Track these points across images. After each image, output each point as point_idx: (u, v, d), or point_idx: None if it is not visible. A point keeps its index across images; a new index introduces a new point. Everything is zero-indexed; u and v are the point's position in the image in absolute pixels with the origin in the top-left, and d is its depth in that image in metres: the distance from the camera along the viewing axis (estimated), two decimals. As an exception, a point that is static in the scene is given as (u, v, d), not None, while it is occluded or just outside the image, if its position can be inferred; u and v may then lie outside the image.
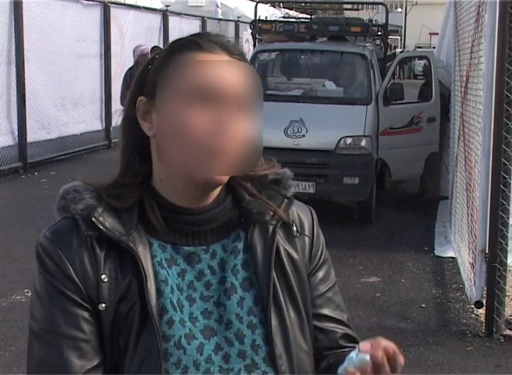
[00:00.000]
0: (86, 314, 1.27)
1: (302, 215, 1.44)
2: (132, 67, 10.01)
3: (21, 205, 8.71)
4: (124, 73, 10.19)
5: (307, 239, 1.42)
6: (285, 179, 1.42)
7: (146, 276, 1.27)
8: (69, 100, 12.39)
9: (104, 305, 1.26)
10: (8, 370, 4.44)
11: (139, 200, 1.32)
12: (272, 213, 1.36)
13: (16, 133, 10.70)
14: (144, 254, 1.28)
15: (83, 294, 1.26)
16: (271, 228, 1.36)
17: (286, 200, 1.39)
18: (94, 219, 1.27)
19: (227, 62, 1.27)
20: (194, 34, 1.32)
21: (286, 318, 1.34)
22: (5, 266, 6.35)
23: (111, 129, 13.63)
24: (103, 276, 1.27)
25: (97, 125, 13.42)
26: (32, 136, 11.01)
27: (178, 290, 1.30)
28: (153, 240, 1.31)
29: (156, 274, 1.28)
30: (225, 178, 1.28)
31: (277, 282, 1.34)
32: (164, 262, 1.30)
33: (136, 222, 1.30)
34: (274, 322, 1.32)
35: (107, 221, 1.28)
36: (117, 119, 9.49)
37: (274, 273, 1.34)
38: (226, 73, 1.25)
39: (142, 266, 1.27)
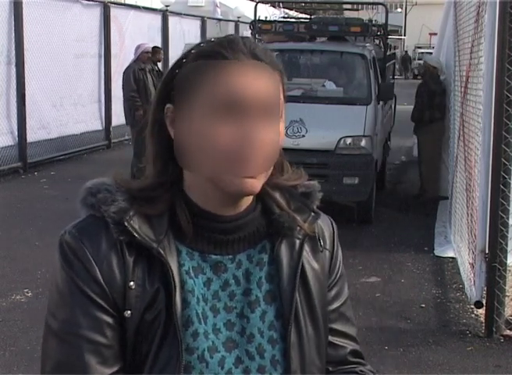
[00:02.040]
0: (110, 319, 1.24)
1: (324, 228, 1.43)
2: (134, 62, 10.04)
3: (21, 205, 8.71)
4: (123, 71, 10.20)
5: (327, 253, 1.42)
6: (314, 192, 1.41)
7: (175, 285, 1.24)
8: (69, 100, 12.39)
9: (129, 312, 1.24)
10: (8, 370, 4.44)
11: (170, 205, 1.29)
12: (299, 228, 1.36)
13: (16, 133, 10.71)
14: (173, 262, 1.26)
15: (109, 299, 1.24)
16: (298, 242, 1.35)
17: (312, 214, 1.38)
18: (126, 224, 1.24)
19: (252, 71, 1.24)
20: (220, 41, 1.27)
21: (303, 334, 1.33)
22: (5, 266, 6.35)
23: (111, 129, 13.64)
24: (131, 283, 1.24)
25: (97, 125, 13.42)
26: (32, 136, 11.02)
27: (203, 300, 1.28)
28: (181, 247, 1.29)
29: (183, 284, 1.26)
30: (258, 187, 1.25)
31: (299, 298, 1.33)
32: (191, 270, 1.28)
33: (166, 228, 1.27)
34: (293, 338, 1.31)
35: (139, 226, 1.25)
36: (141, 123, 9.42)
37: (297, 292, 1.33)
38: (251, 82, 1.22)
39: (172, 274, 1.24)
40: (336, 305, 1.43)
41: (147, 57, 10.07)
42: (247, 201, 1.32)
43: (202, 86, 1.24)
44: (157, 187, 1.30)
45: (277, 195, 1.36)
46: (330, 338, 1.42)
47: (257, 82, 1.23)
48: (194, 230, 1.29)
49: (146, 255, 1.26)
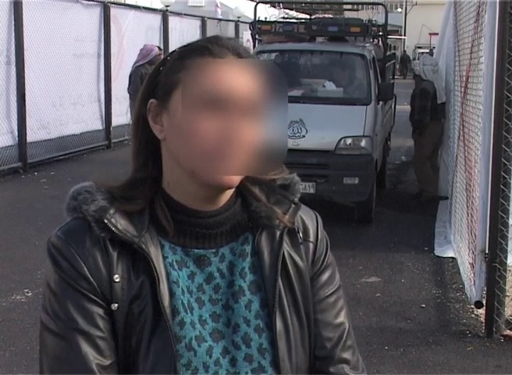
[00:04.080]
0: (101, 311, 1.28)
1: (307, 220, 1.45)
2: (142, 65, 10.05)
3: (21, 205, 8.71)
4: (131, 71, 10.20)
5: (311, 245, 1.43)
6: (293, 184, 1.43)
7: (158, 277, 1.28)
8: (69, 100, 12.38)
9: (116, 305, 1.28)
10: (8, 370, 4.44)
11: (150, 202, 1.33)
12: (278, 219, 1.38)
13: (16, 133, 10.70)
14: (155, 255, 1.29)
15: (98, 293, 1.28)
16: (278, 234, 1.38)
17: (293, 205, 1.40)
18: (106, 221, 1.28)
19: (237, 68, 1.26)
20: (206, 39, 1.32)
21: (289, 323, 1.35)
22: (5, 266, 6.35)
23: (111, 129, 13.63)
24: (115, 277, 1.28)
25: (97, 125, 13.41)
26: (32, 136, 11.01)
27: (188, 292, 1.31)
28: (164, 242, 1.32)
29: (168, 275, 1.30)
30: (236, 181, 1.28)
31: (282, 287, 1.36)
32: (175, 263, 1.32)
33: (147, 223, 1.31)
34: (279, 325, 1.33)
35: (119, 223, 1.29)
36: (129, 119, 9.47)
37: (280, 279, 1.35)
38: (236, 79, 1.25)
39: (154, 267, 1.28)
40: (324, 294, 1.43)
41: (157, 60, 10.11)
42: (226, 196, 1.34)
43: (187, 81, 1.26)
44: (136, 183, 1.33)
45: (256, 190, 1.39)
46: (317, 330, 1.40)
47: (242, 80, 1.25)
48: (176, 226, 1.32)
49: (130, 250, 1.29)
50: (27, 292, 5.70)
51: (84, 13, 12.65)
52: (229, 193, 1.34)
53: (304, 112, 7.92)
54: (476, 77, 6.08)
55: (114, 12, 13.59)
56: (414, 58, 45.72)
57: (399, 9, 60.89)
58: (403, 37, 50.44)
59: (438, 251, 7.23)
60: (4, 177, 10.27)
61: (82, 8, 12.59)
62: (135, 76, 9.89)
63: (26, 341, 4.79)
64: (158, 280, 1.27)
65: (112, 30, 13.46)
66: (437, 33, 12.72)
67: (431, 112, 9.12)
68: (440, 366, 4.68)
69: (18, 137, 10.71)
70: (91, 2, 12.90)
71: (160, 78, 1.31)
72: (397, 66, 30.95)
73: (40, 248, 6.71)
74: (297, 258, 1.40)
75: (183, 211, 1.32)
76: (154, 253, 1.29)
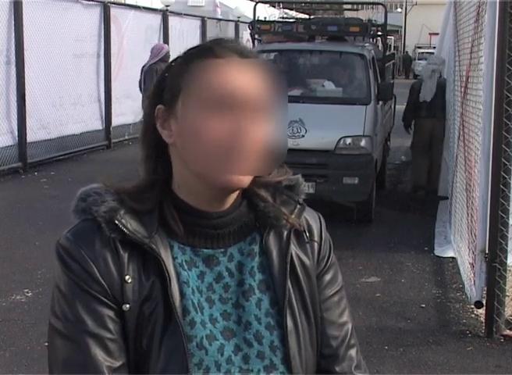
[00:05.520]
0: (111, 313, 1.28)
1: (311, 221, 1.47)
2: (155, 63, 10.16)
3: (21, 205, 8.71)
4: (144, 71, 10.30)
5: (315, 245, 1.45)
6: (298, 185, 1.45)
7: (169, 277, 1.29)
8: (69, 100, 12.38)
9: (128, 305, 1.28)
10: (8, 370, 4.44)
11: (159, 202, 1.34)
12: (285, 220, 1.40)
13: (16, 133, 10.70)
14: (166, 255, 1.30)
15: (109, 294, 1.28)
16: (285, 233, 1.40)
17: (298, 206, 1.42)
18: (117, 222, 1.29)
19: (241, 68, 1.27)
20: (210, 41, 1.33)
21: (298, 321, 1.37)
22: (5, 266, 6.35)
23: (111, 129, 13.63)
24: (127, 277, 1.28)
25: (97, 125, 13.41)
26: (32, 136, 11.01)
27: (198, 291, 1.32)
28: (173, 242, 1.33)
29: (178, 275, 1.31)
30: (245, 182, 1.29)
31: (290, 286, 1.38)
32: (184, 264, 1.33)
33: (157, 225, 1.32)
34: (289, 324, 1.35)
35: (129, 223, 1.30)
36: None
37: (288, 278, 1.37)
38: (241, 79, 1.26)
39: (165, 267, 1.29)
40: (328, 293, 1.45)
41: (168, 57, 10.23)
42: (233, 197, 1.36)
43: (194, 83, 1.27)
44: (146, 186, 1.34)
45: (262, 191, 1.41)
46: (322, 329, 1.43)
47: (246, 79, 1.26)
48: (185, 227, 1.33)
49: (140, 251, 1.30)
50: (27, 292, 5.69)
51: (84, 13, 12.65)
52: (235, 194, 1.36)
53: (304, 112, 7.92)
54: (476, 77, 6.08)
55: (114, 12, 13.58)
56: (415, 58, 45.75)
57: (399, 9, 60.90)
58: (392, 36, 50.38)
59: (438, 251, 7.23)
60: (4, 177, 10.27)
61: (82, 8, 12.58)
62: (150, 73, 10.04)
63: (26, 341, 4.79)
64: (170, 280, 1.28)
65: (112, 30, 13.46)
66: (437, 33, 12.74)
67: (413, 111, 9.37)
68: (440, 366, 4.69)
69: (18, 137, 10.71)
70: (91, 2, 12.89)
71: (166, 84, 1.32)
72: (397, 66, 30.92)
73: (40, 248, 6.72)
74: (304, 258, 1.42)
75: (191, 212, 1.34)
76: (165, 254, 1.30)
